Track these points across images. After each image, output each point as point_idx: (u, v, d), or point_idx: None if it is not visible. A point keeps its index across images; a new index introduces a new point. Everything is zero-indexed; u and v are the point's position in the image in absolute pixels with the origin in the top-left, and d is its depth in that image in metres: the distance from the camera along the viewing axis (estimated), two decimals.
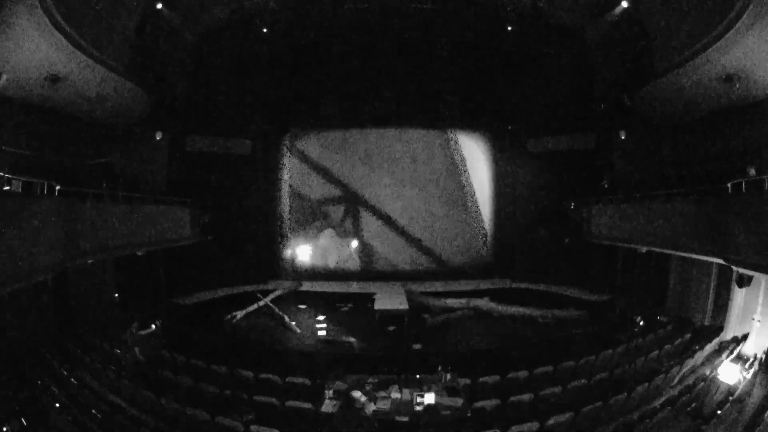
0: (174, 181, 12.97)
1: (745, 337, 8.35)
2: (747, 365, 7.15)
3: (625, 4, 10.18)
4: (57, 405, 6.09)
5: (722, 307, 9.17)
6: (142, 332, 8.49)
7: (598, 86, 12.86)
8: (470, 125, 15.83)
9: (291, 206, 15.91)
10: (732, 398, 6.25)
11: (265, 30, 12.07)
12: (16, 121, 8.91)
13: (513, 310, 12.25)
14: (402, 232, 15.89)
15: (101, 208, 8.66)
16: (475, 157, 15.92)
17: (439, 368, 6.82)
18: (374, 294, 13.05)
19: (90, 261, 9.13)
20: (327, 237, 15.81)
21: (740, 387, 6.53)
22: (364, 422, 5.64)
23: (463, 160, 15.84)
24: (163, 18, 10.59)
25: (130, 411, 6.28)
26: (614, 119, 12.43)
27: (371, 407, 5.98)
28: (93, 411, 6.05)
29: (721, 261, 7.72)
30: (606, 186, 12.69)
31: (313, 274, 15.69)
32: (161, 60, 11.59)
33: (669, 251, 9.64)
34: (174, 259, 12.84)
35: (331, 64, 13.87)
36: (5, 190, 6.46)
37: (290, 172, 15.85)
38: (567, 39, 12.75)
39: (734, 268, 7.36)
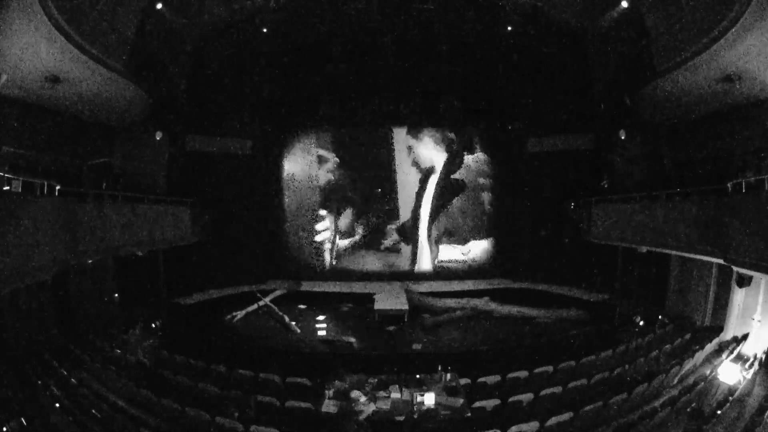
0: (174, 181, 12.97)
1: (745, 337, 8.35)
2: (747, 365, 7.15)
3: (625, 4, 10.18)
4: (57, 405, 6.09)
5: (722, 307, 9.17)
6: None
7: (598, 86, 12.86)
8: (470, 125, 15.83)
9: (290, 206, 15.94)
10: (732, 398, 6.24)
11: (265, 30, 12.07)
12: (16, 121, 8.91)
13: (513, 310, 12.26)
14: (401, 231, 15.90)
15: (101, 208, 8.67)
16: (474, 157, 15.93)
17: (439, 368, 6.83)
18: (374, 294, 13.06)
19: (90, 261, 9.14)
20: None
21: (740, 387, 6.53)
22: (364, 423, 5.64)
23: (462, 159, 15.86)
24: (163, 18, 10.59)
25: (130, 411, 6.28)
26: (614, 119, 12.44)
27: (371, 407, 5.98)
28: (93, 411, 6.04)
29: (721, 261, 7.73)
30: (606, 186, 12.69)
31: (313, 274, 15.69)
32: (161, 60, 11.59)
33: (669, 251, 9.64)
34: (174, 259, 12.84)
35: (331, 64, 13.87)
36: (5, 190, 6.46)
37: (290, 172, 15.86)
38: (567, 39, 12.74)
39: (734, 268, 7.36)
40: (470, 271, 15.81)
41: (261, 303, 12.65)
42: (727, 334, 8.76)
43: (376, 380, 6.68)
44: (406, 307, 11.86)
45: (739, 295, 8.67)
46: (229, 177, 14.48)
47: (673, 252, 9.56)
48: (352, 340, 9.99)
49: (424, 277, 15.64)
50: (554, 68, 13.63)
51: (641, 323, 10.32)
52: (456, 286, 14.71)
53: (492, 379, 7.18)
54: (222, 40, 12.79)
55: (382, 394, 6.31)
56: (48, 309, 9.26)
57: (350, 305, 13.47)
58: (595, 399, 5.97)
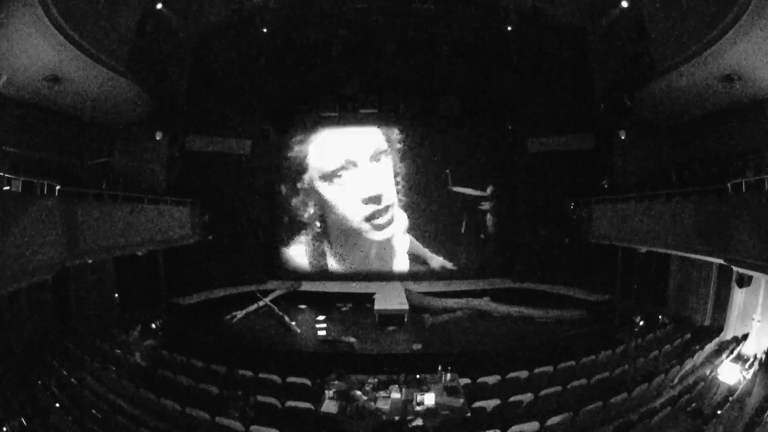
0: (174, 181, 12.96)
1: (745, 337, 8.34)
2: (747, 365, 7.15)
3: (625, 4, 10.18)
4: (57, 405, 6.09)
5: (722, 307, 9.16)
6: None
7: (598, 86, 12.85)
8: (470, 125, 15.82)
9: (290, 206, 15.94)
10: (732, 398, 6.25)
11: (265, 30, 12.06)
12: (16, 121, 8.91)
13: (513, 310, 12.25)
14: (402, 232, 15.89)
15: (101, 208, 8.67)
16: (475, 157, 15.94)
17: (439, 368, 6.82)
18: (374, 294, 13.06)
19: (90, 261, 9.14)
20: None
21: (740, 387, 6.53)
22: (367, 421, 5.64)
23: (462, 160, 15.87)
24: (163, 18, 10.59)
25: (130, 411, 6.28)
26: (614, 119, 12.42)
27: (371, 407, 5.98)
28: (93, 411, 6.05)
29: (721, 261, 7.73)
30: (606, 186, 12.68)
31: (313, 274, 15.69)
32: (161, 60, 11.58)
33: (669, 251, 9.64)
34: (174, 259, 12.83)
35: (331, 63, 13.87)
36: (5, 190, 6.46)
37: (290, 172, 15.86)
38: (567, 39, 12.73)
39: (734, 268, 7.36)
40: (470, 271, 15.82)
41: (261, 303, 12.65)
42: (727, 334, 8.76)
43: (376, 380, 6.67)
44: (406, 307, 11.85)
45: (739, 295, 8.66)
46: (229, 177, 14.48)
47: (673, 252, 9.56)
48: (352, 340, 9.98)
49: (424, 277, 15.64)
50: (554, 68, 13.63)
51: (641, 323, 10.32)
52: (456, 286, 14.71)
53: (492, 379, 7.18)
54: (222, 40, 12.78)
55: (382, 394, 6.30)
56: (48, 309, 9.26)
57: (350, 305, 13.48)
58: (595, 399, 5.97)
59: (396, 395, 6.25)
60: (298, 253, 15.85)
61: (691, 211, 8.46)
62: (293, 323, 11.28)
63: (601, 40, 11.88)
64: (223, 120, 14.35)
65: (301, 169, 15.71)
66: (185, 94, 12.98)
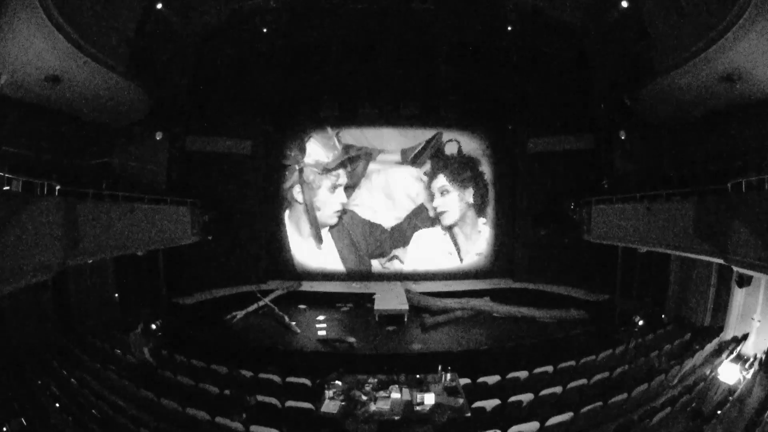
0: (174, 181, 12.97)
1: (745, 337, 8.35)
2: (747, 365, 7.15)
3: (625, 4, 10.18)
4: (57, 405, 6.09)
5: (722, 307, 9.17)
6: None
7: (598, 86, 12.86)
8: (470, 125, 15.82)
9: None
10: (732, 398, 6.25)
11: (265, 30, 12.06)
12: (16, 121, 8.91)
13: (513, 310, 12.25)
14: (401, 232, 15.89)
15: (101, 208, 8.67)
16: (476, 157, 15.94)
17: (439, 368, 6.83)
18: (374, 294, 13.06)
19: (90, 261, 9.13)
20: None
21: (740, 387, 6.53)
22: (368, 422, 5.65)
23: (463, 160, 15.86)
24: (163, 18, 10.59)
25: (130, 411, 6.28)
26: (614, 119, 12.43)
27: (371, 407, 5.98)
28: (93, 411, 6.05)
29: (721, 261, 7.72)
30: (606, 186, 12.68)
31: (313, 274, 15.68)
32: (161, 60, 11.58)
33: (669, 251, 9.64)
34: (174, 259, 12.84)
35: (331, 64, 13.88)
36: (5, 190, 6.46)
37: (290, 171, 15.86)
38: (567, 38, 12.74)
39: (734, 268, 7.36)
40: (470, 271, 15.82)
41: (261, 303, 12.65)
42: (727, 334, 8.76)
43: (376, 380, 6.67)
44: (406, 307, 11.86)
45: (739, 295, 8.66)
46: (229, 177, 14.48)
47: (673, 252, 9.55)
48: (352, 340, 9.98)
49: (424, 277, 15.64)
50: (554, 68, 13.63)
51: (641, 323, 10.32)
52: (456, 286, 14.71)
53: (492, 379, 7.18)
54: (222, 40, 12.78)
55: (382, 394, 6.30)
56: (48, 309, 9.26)
57: (350, 305, 13.48)
58: (595, 399, 5.97)
59: (396, 395, 6.25)
60: (299, 251, 15.84)
61: (691, 211, 8.45)
62: (293, 323, 11.28)
63: (601, 39, 11.88)
64: (223, 120, 14.36)
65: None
66: (185, 94, 12.99)
